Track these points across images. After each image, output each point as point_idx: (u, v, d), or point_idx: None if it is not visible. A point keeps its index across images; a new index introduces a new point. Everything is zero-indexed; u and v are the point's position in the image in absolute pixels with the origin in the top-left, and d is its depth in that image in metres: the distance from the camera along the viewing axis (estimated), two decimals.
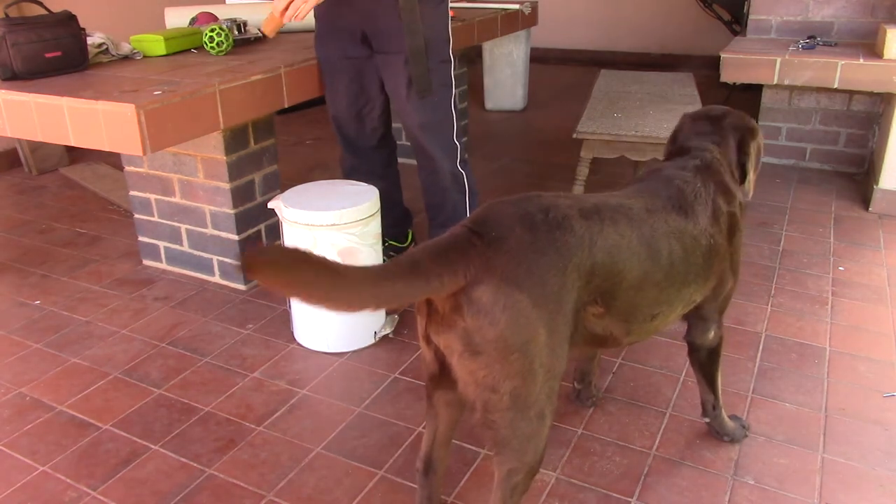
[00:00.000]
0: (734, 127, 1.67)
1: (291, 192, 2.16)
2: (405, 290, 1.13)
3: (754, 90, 3.90)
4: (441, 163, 2.32)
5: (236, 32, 2.62)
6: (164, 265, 2.73)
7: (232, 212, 2.46)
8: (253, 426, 1.86)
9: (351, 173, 2.48)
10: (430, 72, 2.19)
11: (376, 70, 2.30)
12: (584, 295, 1.26)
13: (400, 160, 2.63)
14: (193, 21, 2.82)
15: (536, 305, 1.17)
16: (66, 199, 3.46)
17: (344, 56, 2.28)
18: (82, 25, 2.27)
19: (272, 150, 2.58)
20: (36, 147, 3.78)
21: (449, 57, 2.27)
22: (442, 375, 1.28)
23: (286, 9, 2.06)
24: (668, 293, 1.41)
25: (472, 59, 4.91)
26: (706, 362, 1.70)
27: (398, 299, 1.16)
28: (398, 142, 2.61)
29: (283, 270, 1.06)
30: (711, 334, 1.66)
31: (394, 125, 2.55)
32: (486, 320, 1.14)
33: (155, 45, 2.51)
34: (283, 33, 2.93)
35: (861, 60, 2.98)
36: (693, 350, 1.70)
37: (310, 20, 2.31)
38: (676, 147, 1.67)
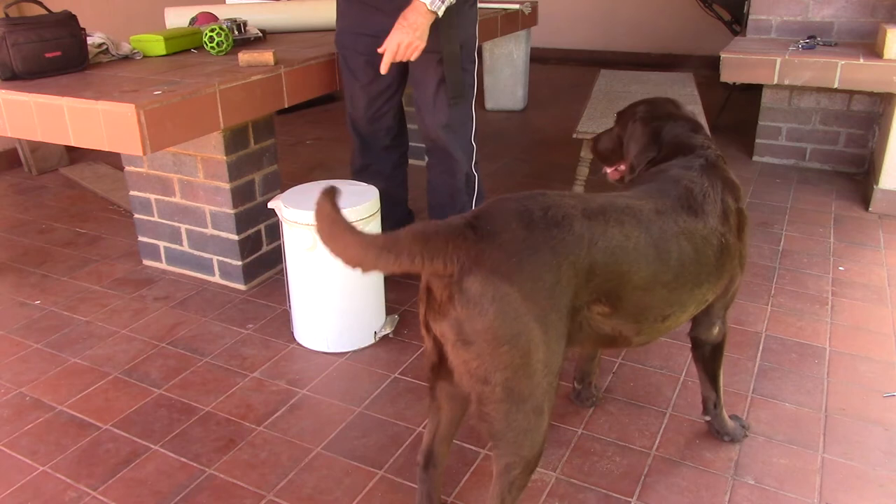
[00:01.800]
0: (692, 116, 1.70)
1: (291, 192, 2.16)
2: (377, 259, 1.18)
3: (754, 90, 3.90)
4: (459, 164, 2.33)
5: (236, 32, 2.62)
6: (164, 265, 2.73)
7: (232, 212, 2.46)
8: (253, 426, 1.86)
9: (361, 171, 2.49)
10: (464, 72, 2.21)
11: (397, 72, 2.29)
12: (585, 294, 1.26)
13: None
14: (193, 21, 2.82)
15: (527, 300, 1.18)
16: (66, 199, 3.46)
17: (366, 58, 2.26)
18: (82, 25, 2.27)
19: (272, 150, 2.58)
20: (36, 147, 3.78)
21: (475, 58, 2.29)
22: (442, 365, 1.29)
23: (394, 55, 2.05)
24: (680, 294, 1.41)
25: None
26: (709, 359, 1.71)
27: (373, 266, 1.20)
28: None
29: (319, 206, 1.21)
30: (716, 330, 1.66)
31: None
32: (476, 310, 1.16)
33: (155, 45, 2.51)
34: (283, 33, 2.93)
35: (861, 60, 2.98)
36: (697, 346, 1.70)
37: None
38: (668, 147, 1.64)
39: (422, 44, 2.04)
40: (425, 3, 1.99)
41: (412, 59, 2.07)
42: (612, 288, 1.30)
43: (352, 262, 1.20)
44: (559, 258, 1.21)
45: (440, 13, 2.01)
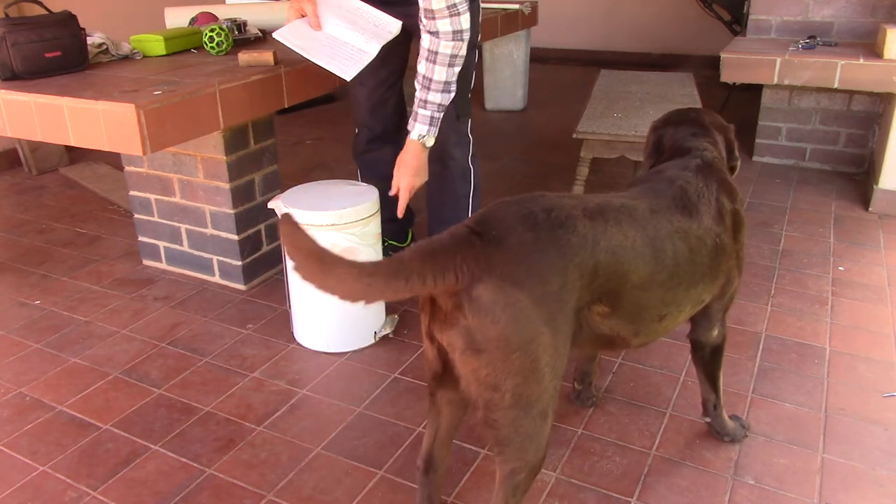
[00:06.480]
0: (717, 126, 1.72)
1: (291, 192, 2.16)
2: (386, 288, 1.14)
3: (754, 90, 3.90)
4: (454, 156, 2.33)
5: (236, 32, 2.62)
6: (164, 265, 2.73)
7: (232, 212, 2.46)
8: (253, 426, 1.86)
9: (363, 154, 2.50)
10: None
11: (398, 59, 2.32)
12: (587, 294, 1.26)
13: None
14: (193, 21, 2.82)
15: (537, 304, 1.17)
16: (66, 199, 3.46)
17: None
18: (82, 25, 2.27)
19: (272, 150, 2.58)
20: (36, 147, 3.78)
21: (475, 53, 2.29)
22: (444, 373, 1.28)
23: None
24: (675, 293, 1.41)
25: None
26: (709, 361, 1.71)
27: (380, 296, 1.17)
28: None
29: (290, 240, 1.14)
30: (715, 332, 1.66)
31: None
32: (488, 318, 1.15)
33: (155, 45, 2.51)
34: None
35: (861, 60, 2.98)
36: (697, 348, 1.70)
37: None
38: (669, 151, 1.66)
39: (426, 178, 2.16)
40: (418, 143, 2.08)
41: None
42: (613, 288, 1.29)
43: (351, 296, 1.13)
44: (566, 260, 1.20)
45: (430, 144, 2.10)
